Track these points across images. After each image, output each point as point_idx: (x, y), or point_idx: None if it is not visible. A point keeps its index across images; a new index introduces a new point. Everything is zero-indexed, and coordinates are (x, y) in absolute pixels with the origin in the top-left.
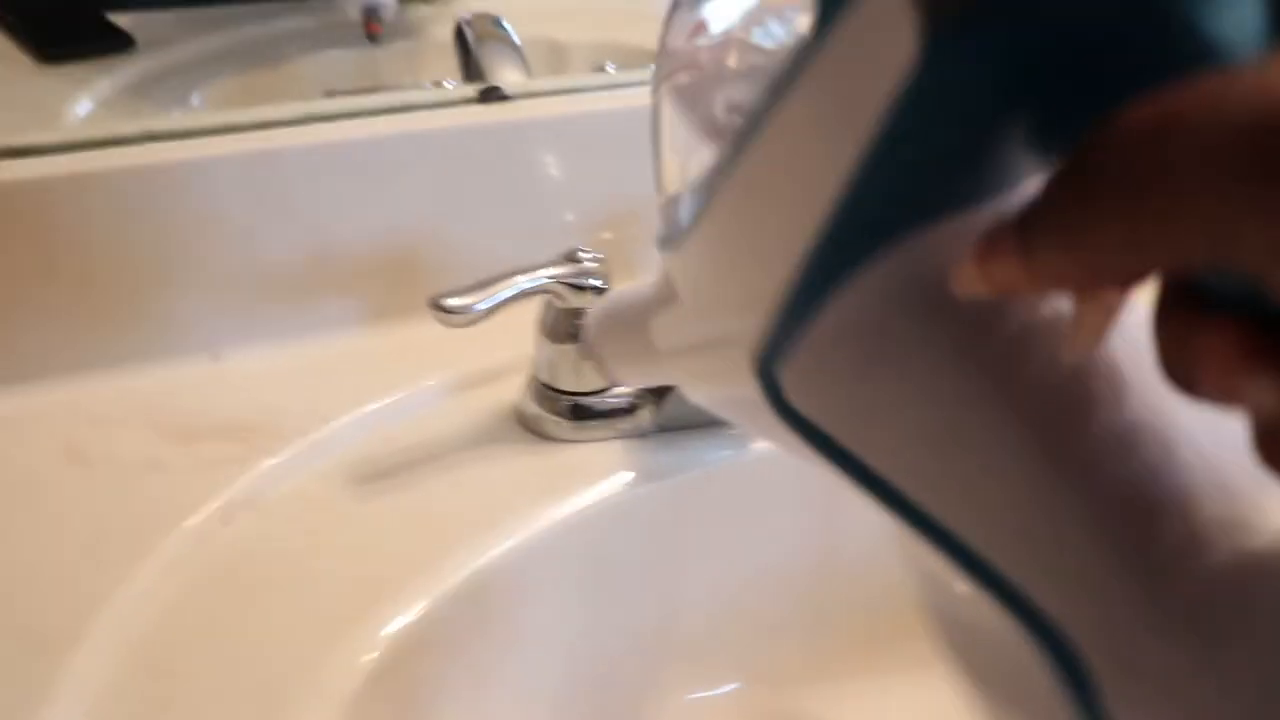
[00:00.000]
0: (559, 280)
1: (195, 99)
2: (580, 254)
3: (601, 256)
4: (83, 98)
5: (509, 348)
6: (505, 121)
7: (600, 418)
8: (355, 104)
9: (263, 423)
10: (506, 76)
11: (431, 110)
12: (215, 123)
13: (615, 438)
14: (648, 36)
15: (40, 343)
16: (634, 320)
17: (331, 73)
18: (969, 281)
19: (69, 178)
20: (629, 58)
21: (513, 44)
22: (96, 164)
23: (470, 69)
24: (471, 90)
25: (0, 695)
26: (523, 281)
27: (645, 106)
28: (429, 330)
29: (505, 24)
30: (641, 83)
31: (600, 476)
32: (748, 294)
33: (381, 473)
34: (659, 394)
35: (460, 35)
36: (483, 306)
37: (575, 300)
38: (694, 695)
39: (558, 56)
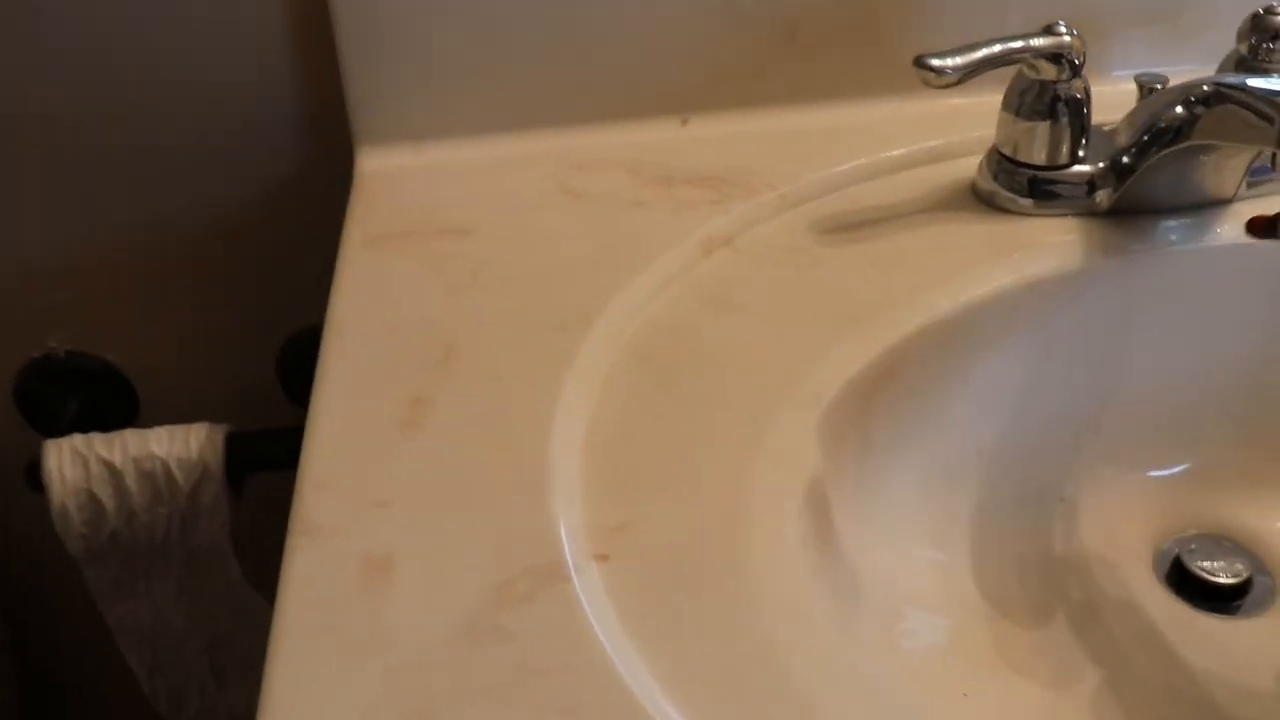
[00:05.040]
0: (1037, 51)
1: None
2: (1058, 27)
3: (1077, 34)
4: None
5: (960, 132)
6: None
7: (1057, 194)
8: None
9: (732, 177)
10: None
11: None
12: None
13: (1069, 214)
14: None
15: (528, 96)
16: None
17: None
18: None
19: None
20: None
21: None
22: None
23: None
24: None
25: (539, 360)
26: (1000, 47)
27: None
28: (883, 109)
29: None
30: None
31: (1054, 248)
32: None
33: (844, 226)
34: (1121, 174)
35: None
36: (960, 64)
37: (1049, 73)
38: (1142, 474)
39: None
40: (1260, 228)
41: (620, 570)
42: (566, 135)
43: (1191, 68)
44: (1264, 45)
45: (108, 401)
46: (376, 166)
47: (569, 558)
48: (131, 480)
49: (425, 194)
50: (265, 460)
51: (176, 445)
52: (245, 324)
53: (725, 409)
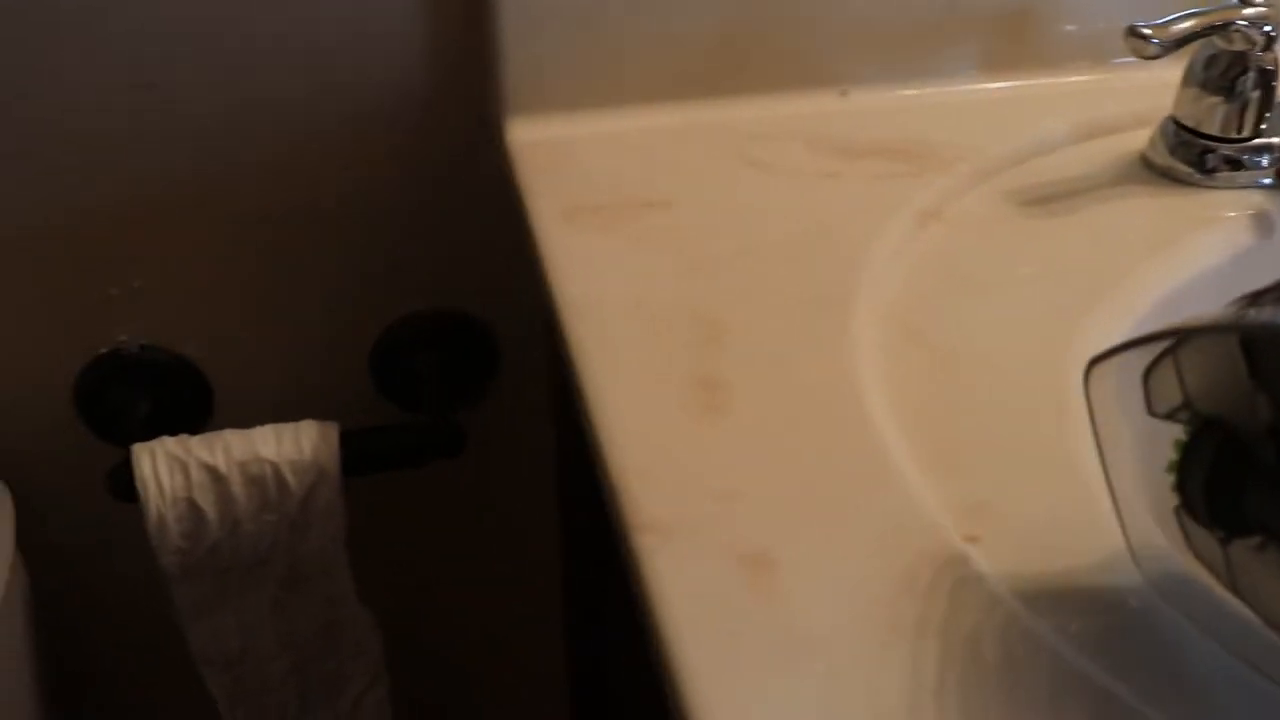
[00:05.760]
0: (1242, 21)
1: None
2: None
3: (1276, 3)
4: None
5: (1114, 105)
6: None
7: (1237, 167)
8: None
9: (915, 150)
10: None
11: None
12: None
13: (1248, 186)
14: None
15: (681, 66)
16: None
17: None
18: None
19: None
20: None
21: None
22: None
23: None
24: None
25: (813, 336)
26: (1208, 17)
27: None
28: (1041, 83)
29: None
30: None
31: (1244, 221)
32: None
33: (1040, 199)
34: None
35: None
36: (1172, 34)
37: (1243, 44)
38: None
39: None
40: None
41: (1002, 549)
42: (723, 106)
43: None
44: None
45: (180, 400)
46: (536, 137)
47: (951, 541)
48: (237, 487)
49: (605, 165)
50: (380, 461)
51: (286, 446)
52: (337, 312)
53: (1012, 379)
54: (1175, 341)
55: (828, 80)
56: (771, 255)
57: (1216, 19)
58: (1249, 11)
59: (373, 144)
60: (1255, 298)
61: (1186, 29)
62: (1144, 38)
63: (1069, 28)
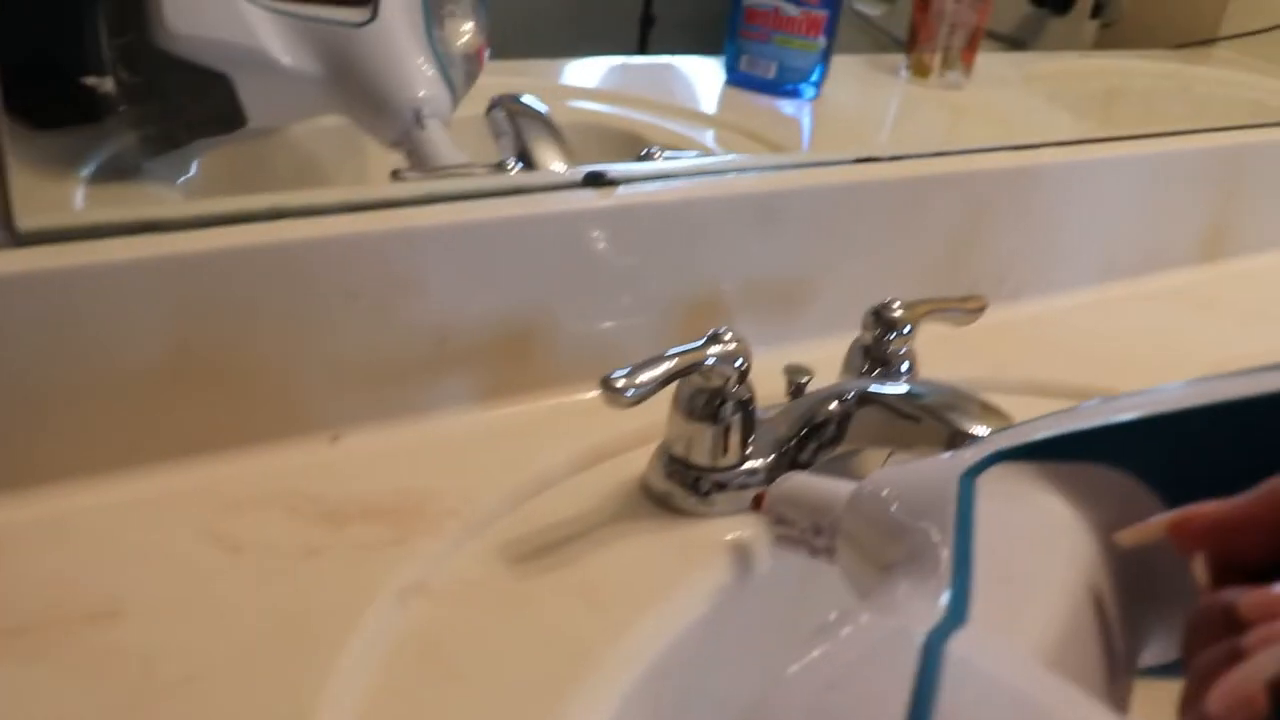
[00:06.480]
0: (711, 360)
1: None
2: (722, 335)
3: (742, 338)
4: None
5: (613, 426)
6: (613, 206)
7: (730, 492)
8: (466, 185)
9: (404, 505)
10: (547, 157)
11: (543, 194)
12: (337, 200)
13: (740, 512)
14: None
15: (153, 423)
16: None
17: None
18: None
19: (193, 255)
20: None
21: (551, 124)
22: (221, 241)
23: (515, 149)
24: (576, 175)
25: None
26: (678, 361)
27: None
28: (542, 406)
29: (534, 102)
30: (739, 169)
31: (738, 548)
32: None
33: (534, 552)
34: (787, 467)
35: (501, 114)
36: (644, 381)
37: (717, 379)
38: None
39: (595, 139)
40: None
41: None
42: (195, 468)
43: (804, 341)
44: (885, 336)
45: None
46: None
47: None
48: None
49: (45, 565)
50: None
51: None
52: None
53: None
54: None
55: (315, 425)
56: (232, 676)
57: (687, 360)
58: (716, 349)
59: None
60: None
61: (657, 376)
62: (617, 390)
63: (570, 345)
